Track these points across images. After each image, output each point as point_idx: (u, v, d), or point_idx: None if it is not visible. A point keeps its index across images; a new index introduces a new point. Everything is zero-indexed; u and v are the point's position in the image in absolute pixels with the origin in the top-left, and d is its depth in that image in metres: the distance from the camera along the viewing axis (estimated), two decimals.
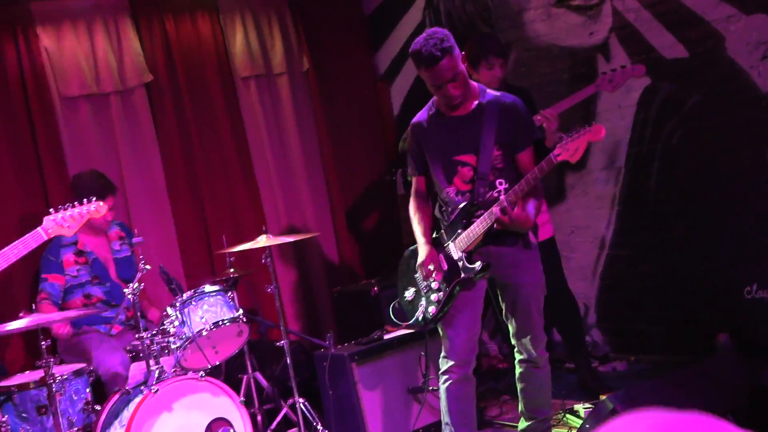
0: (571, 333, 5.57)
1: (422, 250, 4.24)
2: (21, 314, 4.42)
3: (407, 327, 4.44)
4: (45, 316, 4.51)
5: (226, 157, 6.52)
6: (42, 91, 5.85)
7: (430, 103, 4.30)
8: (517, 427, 4.43)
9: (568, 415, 4.95)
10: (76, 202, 3.70)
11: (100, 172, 5.54)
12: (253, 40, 6.69)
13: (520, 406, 4.37)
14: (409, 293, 4.36)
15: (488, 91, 4.22)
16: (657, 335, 5.83)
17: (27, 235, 3.46)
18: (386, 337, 5.30)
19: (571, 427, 4.77)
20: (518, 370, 4.34)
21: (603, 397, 4.56)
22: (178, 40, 6.40)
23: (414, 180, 4.41)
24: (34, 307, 4.62)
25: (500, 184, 4.15)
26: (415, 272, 4.31)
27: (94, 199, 3.73)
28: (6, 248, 3.39)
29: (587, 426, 3.89)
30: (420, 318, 4.28)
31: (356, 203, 6.98)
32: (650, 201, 5.78)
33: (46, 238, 3.52)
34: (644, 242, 5.86)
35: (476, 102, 4.17)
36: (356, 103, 7.15)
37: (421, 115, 4.32)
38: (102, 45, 6.05)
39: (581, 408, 4.97)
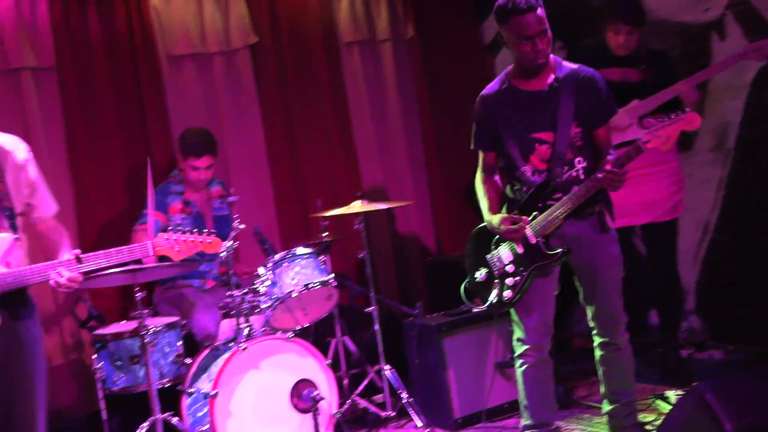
0: (668, 318, 5.42)
1: (495, 218, 4.10)
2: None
3: (480, 309, 4.35)
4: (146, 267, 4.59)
5: (325, 122, 6.52)
6: (149, 49, 5.94)
7: (502, 76, 4.15)
8: (601, 408, 4.33)
9: (658, 401, 4.82)
10: (195, 230, 3.68)
11: (208, 131, 5.61)
12: (359, 6, 6.66)
13: (603, 389, 4.28)
14: (480, 274, 4.26)
15: (564, 63, 4.08)
16: (757, 325, 5.63)
17: (135, 245, 3.48)
18: (475, 309, 5.24)
19: (660, 413, 4.64)
20: (598, 353, 4.24)
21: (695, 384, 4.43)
22: (284, 3, 6.41)
23: (482, 155, 4.27)
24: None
25: (579, 162, 4.03)
26: (487, 252, 4.22)
27: (213, 237, 3.69)
28: (112, 250, 3.43)
29: (674, 413, 3.77)
30: (495, 301, 4.18)
31: (454, 174, 6.91)
32: (759, 186, 5.56)
33: (152, 254, 3.53)
34: (750, 228, 5.65)
35: (553, 76, 4.04)
36: (459, 74, 7.05)
37: (492, 88, 4.18)
38: (209, 5, 6.11)
39: (672, 394, 4.84)
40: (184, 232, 3.64)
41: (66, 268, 3.36)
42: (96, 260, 3.43)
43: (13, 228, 3.38)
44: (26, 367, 3.38)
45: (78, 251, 3.45)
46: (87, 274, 3.44)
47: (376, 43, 6.78)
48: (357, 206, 5.31)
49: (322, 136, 6.52)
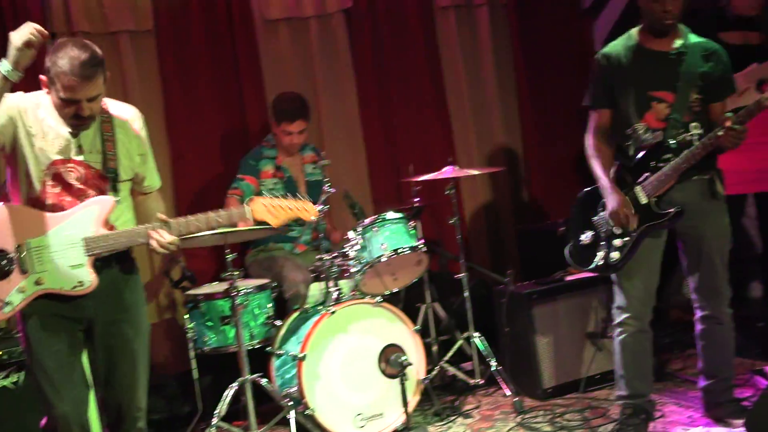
0: None
1: (612, 195, 4.01)
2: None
3: (585, 271, 4.27)
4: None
5: (419, 87, 6.46)
6: (245, 13, 5.96)
7: (627, 34, 4.09)
8: (697, 383, 4.21)
9: (757, 376, 4.66)
10: (288, 194, 3.65)
11: (301, 96, 5.62)
12: None
13: (701, 364, 4.16)
14: (586, 237, 4.17)
15: (692, 34, 4.01)
16: None
17: (233, 209, 3.47)
18: (567, 278, 5.15)
19: (758, 389, 4.49)
20: (699, 326, 4.12)
21: None
22: None
23: (595, 114, 4.17)
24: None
25: (695, 128, 3.93)
26: (594, 214, 4.13)
27: (309, 204, 3.63)
28: (211, 212, 3.44)
29: None
30: (601, 263, 4.09)
31: (550, 141, 6.78)
32: None
33: (250, 218, 3.51)
34: None
35: (681, 41, 3.97)
36: (556, 38, 6.89)
37: (614, 45, 4.12)
38: None
39: None
40: (283, 197, 3.60)
41: (165, 228, 3.39)
42: (194, 224, 3.45)
43: (115, 190, 3.41)
44: (129, 329, 3.45)
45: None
46: (184, 237, 3.46)
47: (472, 7, 6.67)
48: (449, 172, 5.25)
49: (416, 100, 6.46)
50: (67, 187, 3.34)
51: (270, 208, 3.53)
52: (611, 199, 4.01)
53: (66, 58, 3.16)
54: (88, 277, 3.30)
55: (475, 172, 5.50)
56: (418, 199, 5.40)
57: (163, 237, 3.36)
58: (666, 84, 3.94)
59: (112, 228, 3.39)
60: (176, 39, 5.76)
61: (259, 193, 5.49)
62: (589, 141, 4.16)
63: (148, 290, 5.53)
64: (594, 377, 4.99)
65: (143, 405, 3.50)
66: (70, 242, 3.29)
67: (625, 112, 4.04)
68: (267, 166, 5.56)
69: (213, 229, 3.50)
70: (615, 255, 4.03)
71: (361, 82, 6.30)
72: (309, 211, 3.62)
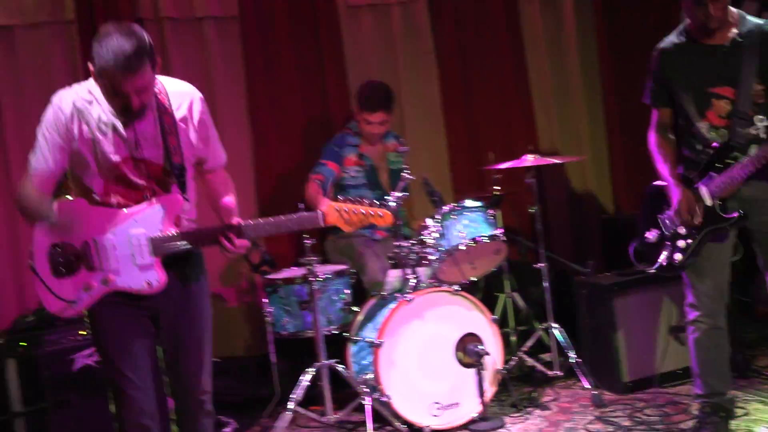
0: None
1: (677, 193, 3.90)
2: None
3: (649, 270, 4.17)
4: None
5: (502, 74, 6.39)
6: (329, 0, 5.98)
7: (680, 28, 3.94)
8: None
9: None
10: (365, 200, 3.49)
11: (387, 86, 5.60)
12: None
13: None
14: (652, 235, 4.07)
15: (748, 18, 3.82)
16: None
17: (304, 214, 3.39)
18: (651, 270, 5.03)
19: None
20: None
21: None
22: None
23: (656, 112, 4.06)
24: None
25: (760, 120, 3.77)
26: (660, 212, 4.02)
27: (385, 210, 3.43)
28: (281, 218, 3.36)
29: None
30: (664, 263, 4.00)
31: (634, 130, 6.62)
32: None
33: (322, 224, 3.38)
34: None
35: (735, 31, 3.79)
36: (643, 26, 6.72)
37: (669, 40, 3.97)
38: None
39: None
40: (357, 202, 3.43)
41: (235, 233, 3.28)
42: (264, 228, 3.35)
43: (182, 186, 3.30)
44: (195, 318, 3.41)
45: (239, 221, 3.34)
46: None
47: None
48: (529, 159, 5.18)
49: (498, 87, 6.40)
50: (131, 186, 3.25)
51: (343, 213, 3.39)
52: (675, 195, 3.90)
53: (109, 49, 2.99)
54: (156, 278, 3.24)
55: (556, 160, 5.42)
56: (498, 187, 5.35)
57: (234, 242, 3.26)
58: (724, 78, 3.79)
59: (180, 225, 3.32)
60: (260, 25, 5.80)
61: (341, 179, 5.50)
62: (651, 138, 4.07)
63: (225, 271, 5.62)
64: (676, 372, 4.87)
65: (209, 388, 3.47)
66: (138, 242, 3.21)
67: (686, 110, 3.90)
68: (350, 153, 5.57)
69: (284, 232, 3.43)
70: (678, 256, 3.93)
71: (443, 68, 6.26)
72: (384, 217, 3.44)
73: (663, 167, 3.99)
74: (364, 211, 3.40)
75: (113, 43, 2.99)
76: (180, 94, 3.32)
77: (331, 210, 3.36)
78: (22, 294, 5.17)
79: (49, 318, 4.56)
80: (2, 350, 4.50)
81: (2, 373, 4.47)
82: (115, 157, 3.20)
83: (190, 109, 3.32)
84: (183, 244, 3.24)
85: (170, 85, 3.32)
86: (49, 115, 3.18)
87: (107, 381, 3.39)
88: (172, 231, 3.25)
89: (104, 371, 3.40)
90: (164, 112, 3.25)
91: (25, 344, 4.48)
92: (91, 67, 3.06)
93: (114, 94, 3.08)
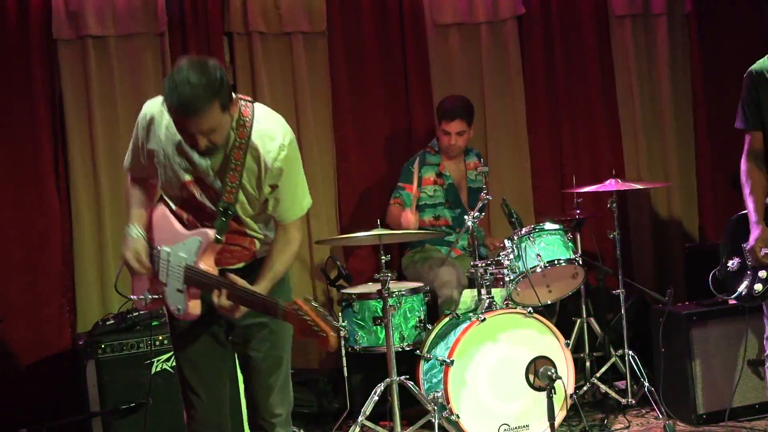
0: None
1: (754, 228, 3.81)
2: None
3: (728, 299, 4.08)
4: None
5: (590, 97, 6.34)
6: (417, 17, 6.01)
7: None
8: None
9: None
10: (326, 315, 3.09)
11: (466, 98, 5.64)
12: None
13: None
14: (733, 263, 3.98)
15: None
16: None
17: (268, 302, 3.10)
18: (731, 301, 4.92)
19: None
20: None
21: None
22: None
23: (748, 137, 3.94)
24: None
25: None
26: (744, 241, 3.93)
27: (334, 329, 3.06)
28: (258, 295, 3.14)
29: None
30: (744, 293, 3.91)
31: (725, 158, 6.50)
32: None
33: (280, 318, 3.08)
34: None
35: None
36: (738, 54, 6.56)
37: (762, 63, 3.87)
38: None
39: None
40: (316, 312, 3.02)
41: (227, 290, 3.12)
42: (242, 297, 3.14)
43: (221, 226, 3.17)
44: (270, 336, 3.36)
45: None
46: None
47: (650, 17, 6.47)
48: (611, 184, 5.13)
49: (585, 111, 6.35)
50: (192, 208, 3.24)
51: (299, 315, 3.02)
52: (753, 232, 3.81)
53: (175, 87, 2.88)
54: (183, 305, 3.22)
55: (639, 186, 5.35)
56: (579, 210, 5.32)
57: (220, 300, 3.11)
58: None
59: (222, 260, 3.25)
60: (347, 41, 5.88)
61: (420, 207, 5.52)
62: (743, 166, 3.95)
63: (301, 284, 5.68)
64: (753, 406, 4.76)
65: (279, 411, 3.39)
66: (178, 264, 3.22)
67: None
68: (429, 172, 5.59)
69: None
70: (758, 287, 3.84)
71: (530, 89, 6.24)
72: (328, 338, 3.01)
73: (749, 198, 3.89)
74: (313, 323, 3.01)
75: (181, 79, 2.88)
76: (267, 130, 3.16)
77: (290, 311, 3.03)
78: (104, 297, 5.32)
79: (129, 322, 4.70)
80: (83, 352, 4.64)
81: (82, 374, 4.62)
82: (185, 177, 3.17)
83: (269, 149, 3.14)
84: (209, 283, 3.14)
85: (265, 116, 3.20)
86: (138, 117, 3.26)
87: (180, 387, 3.45)
88: (202, 266, 3.16)
89: (177, 378, 3.46)
90: (239, 146, 3.10)
91: (105, 347, 4.62)
92: None
93: (181, 131, 3.01)
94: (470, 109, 5.57)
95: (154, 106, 3.18)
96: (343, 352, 5.05)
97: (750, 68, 3.94)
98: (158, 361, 4.59)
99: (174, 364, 3.65)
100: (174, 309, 3.26)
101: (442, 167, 5.61)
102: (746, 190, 3.91)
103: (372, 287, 5.12)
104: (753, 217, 3.84)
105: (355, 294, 5.02)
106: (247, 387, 3.46)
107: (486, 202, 4.92)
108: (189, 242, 3.21)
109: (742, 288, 3.92)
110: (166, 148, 3.16)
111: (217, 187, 3.16)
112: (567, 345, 4.76)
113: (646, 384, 4.93)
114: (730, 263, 4.01)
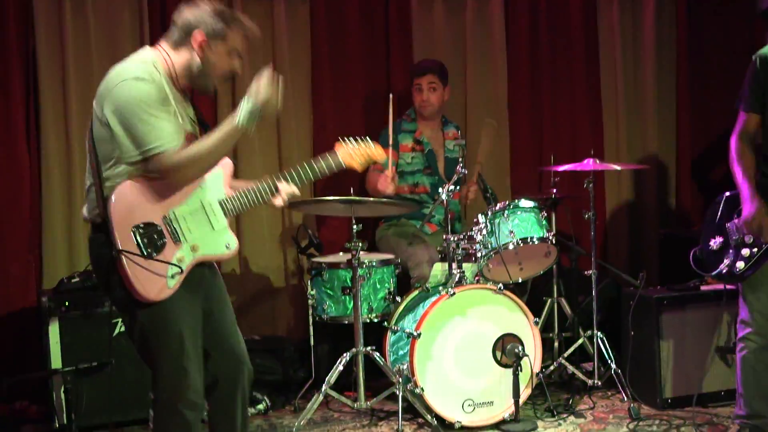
0: None
1: (751, 201, 3.79)
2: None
3: (707, 277, 4.07)
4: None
5: (573, 76, 6.29)
6: None
7: None
8: None
9: None
10: (367, 138, 3.62)
11: (440, 61, 5.63)
12: None
13: None
14: (715, 242, 3.97)
15: None
16: None
17: (328, 156, 3.51)
18: (703, 288, 4.91)
19: None
20: None
21: None
22: None
23: (744, 117, 3.91)
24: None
25: None
26: (728, 221, 3.91)
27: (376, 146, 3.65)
28: (313, 161, 3.46)
29: None
30: (724, 271, 3.89)
31: (706, 145, 6.49)
32: None
33: (343, 166, 3.55)
34: None
35: None
36: (727, 39, 6.56)
37: None
38: None
39: None
40: (362, 141, 3.61)
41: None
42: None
43: None
44: (229, 312, 3.52)
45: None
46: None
47: None
48: (588, 164, 5.09)
49: (568, 91, 6.31)
50: None
51: (352, 153, 3.55)
52: (748, 206, 3.79)
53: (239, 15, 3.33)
54: (233, 239, 3.37)
55: (617, 167, 5.31)
56: (556, 190, 5.28)
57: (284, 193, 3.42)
58: None
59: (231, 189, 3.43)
60: (330, 8, 5.79)
61: (397, 166, 5.47)
62: (733, 143, 3.93)
63: (274, 252, 5.64)
64: (719, 393, 4.75)
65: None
66: (210, 207, 3.31)
67: None
68: (406, 139, 5.55)
69: (320, 177, 3.50)
70: (740, 265, 3.83)
71: (513, 66, 6.18)
72: (377, 152, 3.64)
73: (741, 175, 3.87)
74: (362, 148, 3.59)
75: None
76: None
77: (343, 152, 3.55)
78: (72, 255, 5.25)
79: (95, 280, 4.63)
80: (46, 309, 4.58)
81: (46, 332, 4.57)
82: (188, 127, 3.30)
83: None
84: (247, 202, 3.37)
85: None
86: (148, 95, 3.14)
87: (161, 356, 3.27)
88: (231, 192, 3.37)
89: (162, 346, 3.26)
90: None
91: (69, 304, 4.56)
92: (199, 35, 3.22)
93: (239, 54, 3.33)
94: (443, 68, 5.55)
95: (153, 74, 3.18)
96: (311, 320, 5.01)
97: (758, 51, 3.90)
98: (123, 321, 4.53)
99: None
100: (222, 250, 3.36)
101: (419, 133, 5.57)
102: (737, 168, 3.89)
103: (343, 257, 5.08)
104: (748, 192, 3.81)
105: (325, 263, 4.97)
106: (224, 346, 3.48)
107: (461, 175, 4.88)
108: (209, 182, 3.33)
109: (723, 266, 3.91)
110: (176, 105, 3.28)
111: (195, 133, 3.36)
112: (536, 324, 4.73)
113: (613, 366, 4.92)
114: (712, 242, 4.01)
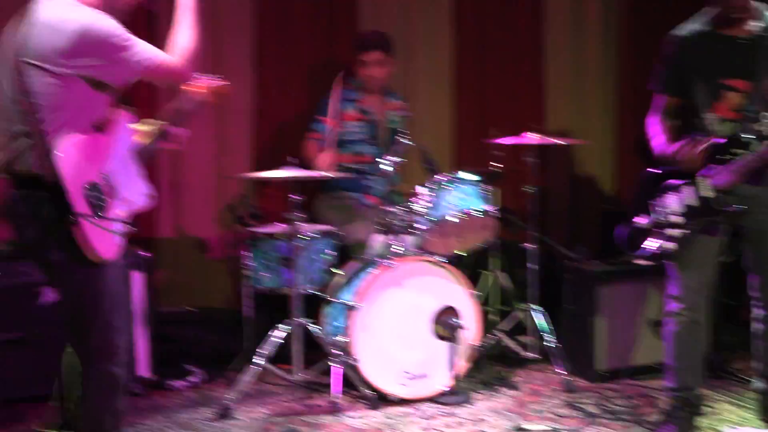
0: None
1: (677, 144, 3.80)
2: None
3: (634, 257, 4.07)
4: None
5: (519, 48, 6.33)
6: None
7: (700, 16, 3.84)
8: (751, 384, 4.07)
9: None
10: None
11: (386, 33, 5.56)
12: None
13: (756, 364, 3.99)
14: (643, 221, 3.97)
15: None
16: None
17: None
18: (637, 255, 4.93)
19: None
20: (759, 326, 3.94)
21: None
22: None
23: (662, 99, 3.94)
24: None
25: (765, 118, 3.67)
26: (653, 198, 3.92)
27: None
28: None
29: None
30: (652, 251, 3.90)
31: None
32: None
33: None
34: None
35: (757, 25, 3.71)
36: (674, 16, 6.55)
37: (688, 27, 3.87)
38: None
39: None
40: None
41: None
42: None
43: None
44: None
45: None
46: None
47: None
48: (530, 138, 5.08)
49: (513, 62, 6.33)
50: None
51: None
52: (676, 146, 3.79)
53: None
54: (150, 187, 3.41)
55: (556, 141, 5.30)
56: (498, 163, 5.26)
57: None
58: (738, 71, 3.70)
59: None
60: None
61: (340, 134, 5.42)
62: (651, 120, 3.96)
63: (210, 222, 5.57)
64: (651, 366, 4.78)
65: None
66: (127, 159, 3.29)
67: (695, 100, 3.81)
68: (349, 108, 5.49)
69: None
70: (666, 244, 3.84)
71: (459, 35, 6.17)
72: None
73: (660, 141, 3.89)
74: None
75: None
76: None
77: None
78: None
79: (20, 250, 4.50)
80: None
81: None
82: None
83: None
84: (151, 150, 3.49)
85: None
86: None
87: (96, 316, 3.18)
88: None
89: (97, 305, 3.18)
90: None
91: None
92: None
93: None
94: (390, 42, 5.49)
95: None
96: (245, 292, 4.95)
97: (673, 32, 3.91)
98: (48, 290, 4.39)
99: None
100: (144, 201, 3.37)
101: (362, 102, 5.52)
102: (656, 139, 3.91)
103: (282, 227, 5.01)
104: (671, 147, 3.82)
105: (262, 233, 4.91)
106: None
107: (404, 147, 4.84)
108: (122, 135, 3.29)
109: (649, 244, 3.90)
110: None
111: None
112: (475, 297, 4.72)
113: (550, 339, 4.93)
114: (640, 221, 3.99)
